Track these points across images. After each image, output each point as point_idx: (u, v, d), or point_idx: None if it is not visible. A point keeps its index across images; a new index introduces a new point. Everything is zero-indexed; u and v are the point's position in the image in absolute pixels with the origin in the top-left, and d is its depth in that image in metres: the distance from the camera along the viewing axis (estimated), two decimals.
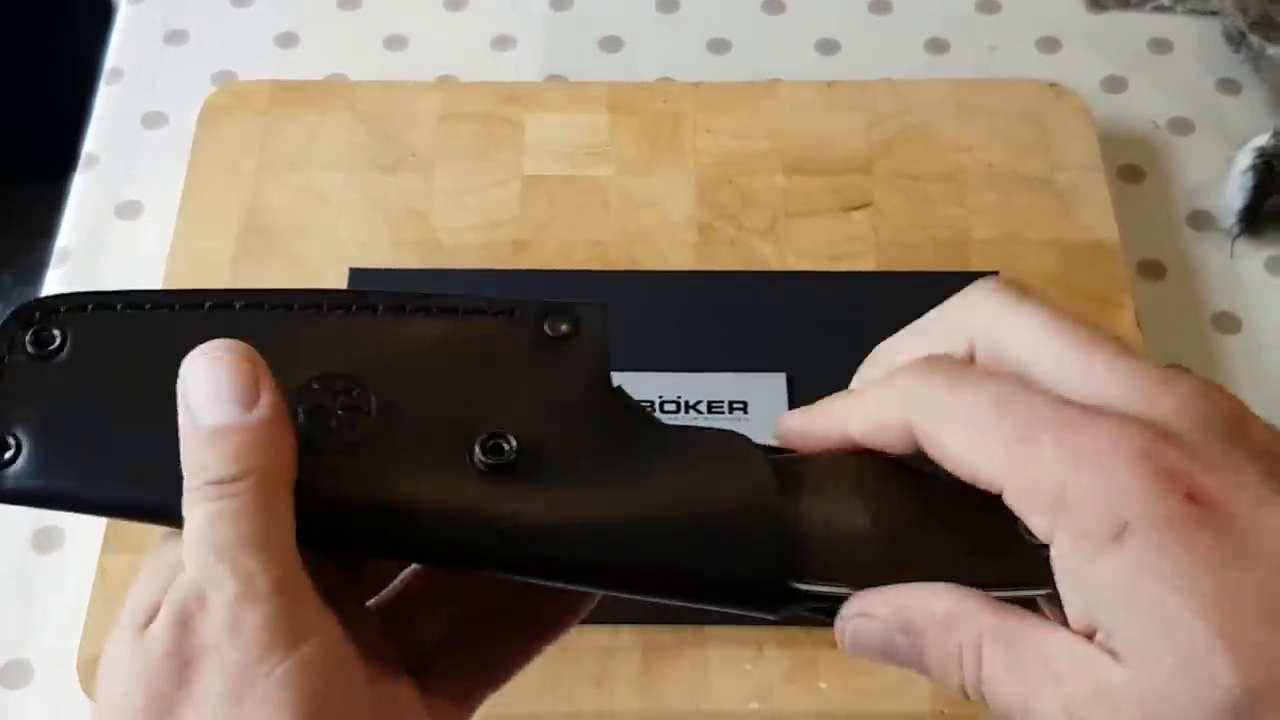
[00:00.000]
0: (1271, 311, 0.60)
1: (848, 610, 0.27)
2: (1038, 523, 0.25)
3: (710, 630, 0.49)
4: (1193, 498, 0.24)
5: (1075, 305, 0.57)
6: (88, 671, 0.49)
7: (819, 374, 0.48)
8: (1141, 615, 0.24)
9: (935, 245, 0.59)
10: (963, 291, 0.28)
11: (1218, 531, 0.24)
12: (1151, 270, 0.61)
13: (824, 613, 0.27)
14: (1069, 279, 0.58)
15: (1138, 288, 0.60)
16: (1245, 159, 0.61)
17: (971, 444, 0.26)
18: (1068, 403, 0.25)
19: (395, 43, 0.70)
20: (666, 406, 0.50)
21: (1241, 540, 0.24)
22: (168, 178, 0.62)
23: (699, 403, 0.49)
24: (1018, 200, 0.60)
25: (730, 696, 0.48)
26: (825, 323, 0.53)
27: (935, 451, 0.26)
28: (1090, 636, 0.24)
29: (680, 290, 0.55)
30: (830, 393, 0.29)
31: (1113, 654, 0.24)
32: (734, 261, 0.58)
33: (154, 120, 0.67)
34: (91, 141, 0.66)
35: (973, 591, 0.26)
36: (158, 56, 0.69)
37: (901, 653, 0.27)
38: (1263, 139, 0.62)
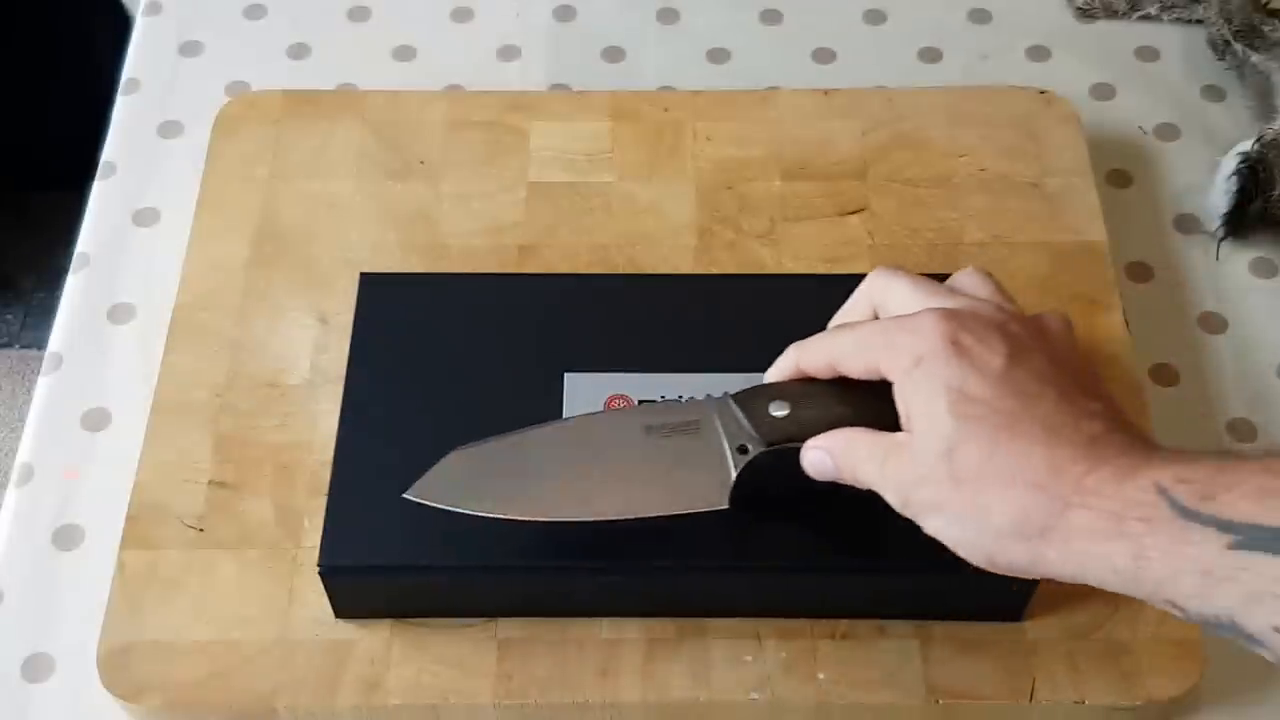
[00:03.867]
0: (1256, 312, 0.61)
1: (804, 450, 0.45)
2: (887, 369, 0.43)
3: (712, 623, 0.50)
4: (955, 344, 0.42)
5: (1065, 306, 0.58)
6: (107, 665, 0.50)
7: None
8: (919, 403, 0.42)
9: (928, 248, 0.60)
10: (866, 277, 0.47)
11: (965, 360, 0.41)
12: (1139, 272, 0.62)
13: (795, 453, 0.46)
14: (1058, 281, 0.59)
15: (1126, 289, 0.60)
16: (1230, 164, 0.62)
17: (863, 357, 0.44)
18: (904, 316, 0.44)
19: (404, 53, 0.71)
20: None
21: (972, 363, 0.41)
22: (183, 185, 0.63)
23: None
24: (1008, 204, 0.61)
25: (731, 687, 0.49)
26: (822, 324, 0.52)
27: (847, 369, 0.45)
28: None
29: (680, 292, 0.56)
30: None
31: (908, 432, 0.42)
32: (733, 264, 0.59)
33: (170, 130, 0.67)
34: (109, 150, 0.67)
35: (861, 429, 0.44)
36: (173, 68, 0.70)
37: (830, 468, 0.45)
38: (1247, 144, 0.62)
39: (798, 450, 0.45)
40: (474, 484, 0.46)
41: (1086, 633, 0.50)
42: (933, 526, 0.42)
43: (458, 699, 0.49)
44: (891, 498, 0.43)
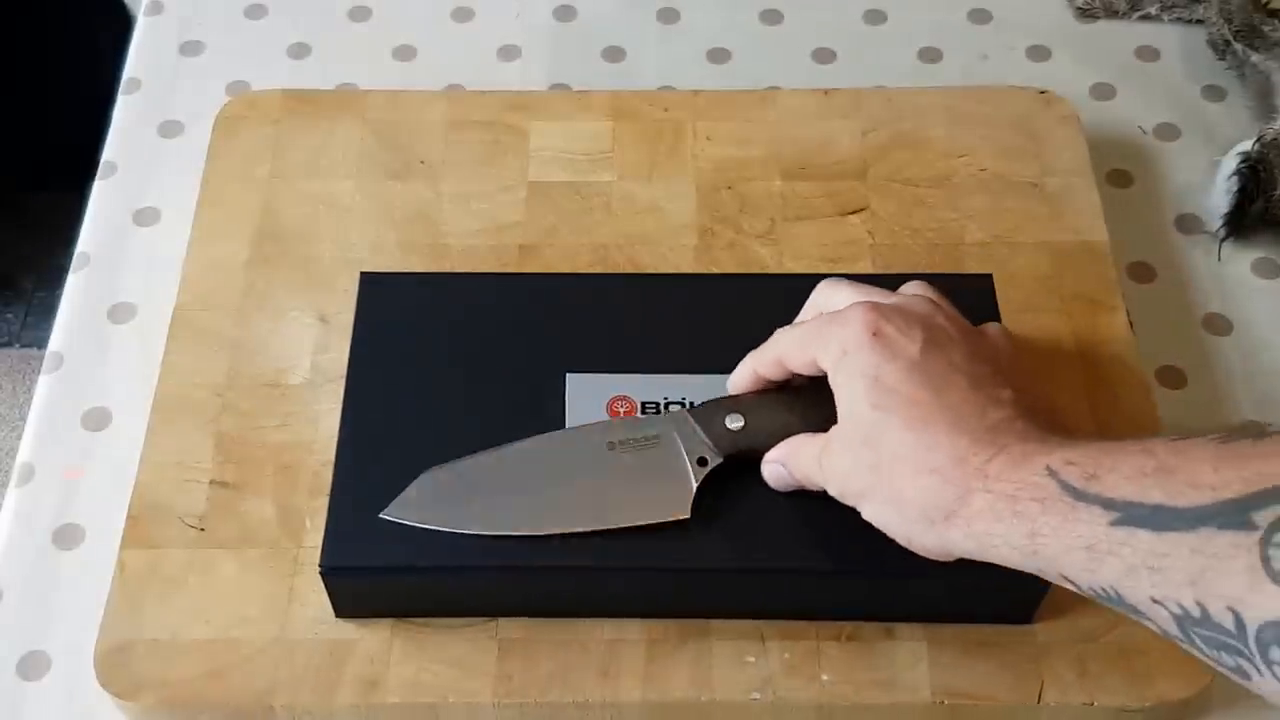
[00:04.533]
0: (1259, 312, 0.61)
1: (763, 467, 0.49)
2: (822, 360, 0.45)
3: (714, 624, 0.50)
4: (878, 335, 0.44)
5: (1066, 306, 0.58)
6: (104, 663, 0.50)
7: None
8: (844, 393, 0.44)
9: (929, 248, 0.60)
10: (816, 287, 0.50)
11: (883, 349, 0.44)
12: (1141, 273, 0.62)
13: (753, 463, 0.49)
14: (1060, 281, 0.59)
15: (1128, 290, 0.60)
16: (1230, 164, 0.62)
17: (803, 352, 0.46)
18: (840, 310, 0.46)
19: (404, 53, 0.71)
20: (671, 408, 0.51)
21: (890, 352, 0.44)
22: (184, 185, 0.63)
23: (697, 405, 0.50)
24: (1009, 204, 0.61)
25: (733, 688, 0.49)
26: None
27: (792, 365, 0.47)
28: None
29: (681, 292, 0.56)
30: None
31: (840, 421, 0.45)
32: (733, 264, 0.59)
33: (170, 129, 0.68)
34: (110, 150, 0.67)
35: (804, 435, 0.47)
36: (174, 67, 0.70)
37: (786, 477, 0.48)
38: (1247, 144, 0.62)
39: (755, 460, 0.49)
40: (448, 501, 0.49)
41: (1097, 635, 0.50)
42: (868, 513, 0.45)
43: (457, 698, 0.49)
44: (832, 490, 0.46)
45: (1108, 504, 0.37)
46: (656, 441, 0.49)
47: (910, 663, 0.49)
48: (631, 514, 0.48)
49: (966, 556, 0.42)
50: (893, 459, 0.43)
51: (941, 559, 0.43)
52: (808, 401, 0.48)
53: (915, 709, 0.49)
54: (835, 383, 0.45)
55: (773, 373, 0.48)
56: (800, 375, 0.48)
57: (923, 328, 0.45)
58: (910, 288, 0.49)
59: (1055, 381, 0.56)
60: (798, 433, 0.48)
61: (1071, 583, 0.39)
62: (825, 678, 0.49)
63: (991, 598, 0.49)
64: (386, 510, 0.49)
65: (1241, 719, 0.51)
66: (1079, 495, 0.38)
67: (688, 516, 0.48)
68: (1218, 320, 0.61)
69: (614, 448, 0.49)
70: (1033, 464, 0.40)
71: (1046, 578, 0.41)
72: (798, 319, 0.50)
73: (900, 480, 0.43)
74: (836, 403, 0.45)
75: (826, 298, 0.49)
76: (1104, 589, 0.38)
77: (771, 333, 0.49)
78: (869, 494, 0.44)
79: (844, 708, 0.49)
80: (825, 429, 0.46)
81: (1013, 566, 0.41)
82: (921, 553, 0.44)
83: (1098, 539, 0.37)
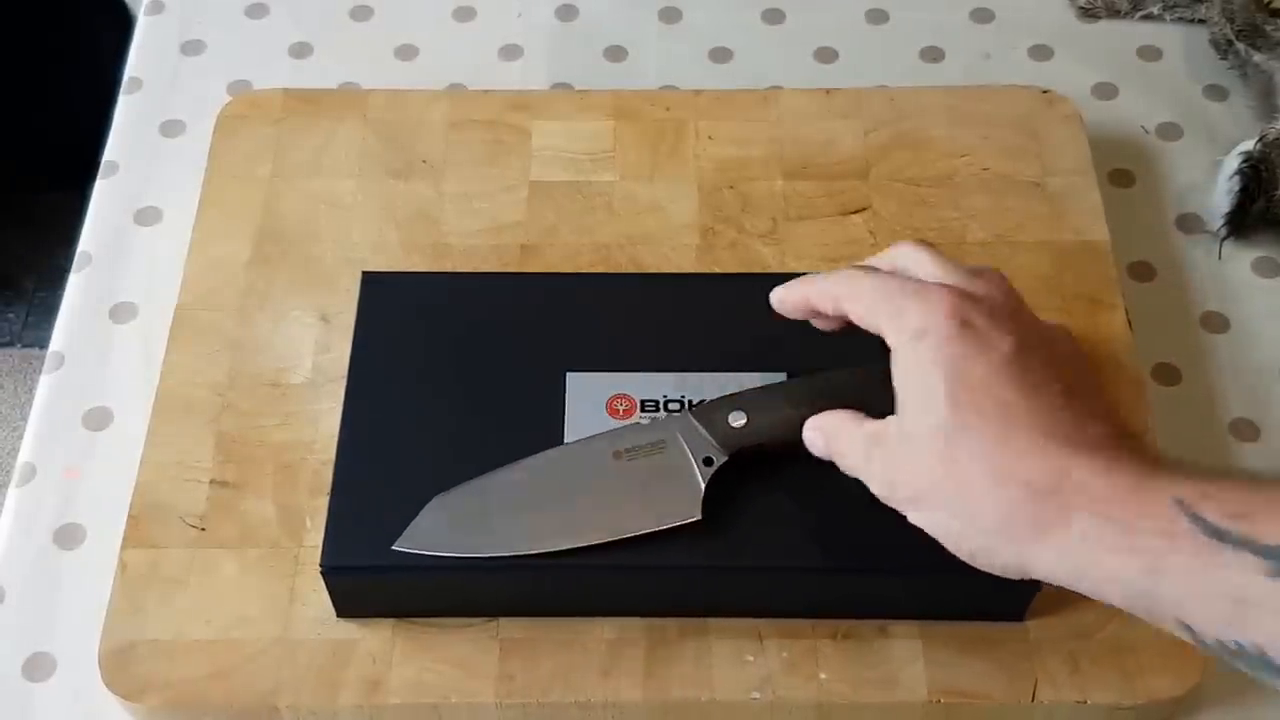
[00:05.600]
0: (1258, 311, 0.61)
1: (804, 429, 0.46)
2: (889, 331, 0.41)
3: (713, 623, 0.50)
4: (965, 323, 0.40)
5: (1067, 305, 0.58)
6: (108, 664, 0.50)
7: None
8: (915, 380, 0.40)
9: None
10: (896, 244, 0.45)
11: (972, 342, 0.39)
12: (1141, 272, 0.62)
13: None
14: (1061, 280, 0.59)
15: (1128, 288, 0.60)
16: (1232, 164, 0.62)
17: (868, 310, 0.42)
18: (921, 282, 0.42)
19: (406, 52, 0.71)
20: (670, 406, 0.51)
21: (979, 345, 0.39)
22: (185, 184, 0.63)
23: (701, 402, 0.50)
24: (1011, 204, 0.61)
25: (732, 687, 0.49)
26: None
27: (850, 311, 0.43)
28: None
29: (682, 292, 0.56)
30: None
31: (900, 406, 0.41)
32: (735, 264, 0.59)
33: (172, 129, 0.68)
34: (111, 149, 0.67)
35: (849, 415, 0.44)
36: (175, 67, 0.70)
37: (822, 447, 0.45)
38: (1249, 144, 0.62)
39: (759, 456, 0.48)
40: (461, 528, 0.48)
41: (1089, 633, 0.50)
42: (921, 519, 0.40)
43: (459, 698, 0.49)
44: (876, 487, 0.42)
45: (1264, 551, 0.32)
46: (662, 446, 0.49)
47: (906, 661, 0.50)
48: (643, 521, 0.48)
49: (1048, 580, 0.38)
50: (970, 463, 0.38)
51: (1008, 576, 0.39)
52: (813, 396, 0.47)
53: (913, 708, 0.49)
54: (903, 365, 0.40)
55: (825, 307, 0.44)
56: (847, 326, 0.44)
57: (1013, 323, 0.40)
58: (990, 277, 0.43)
59: None
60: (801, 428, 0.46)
61: (1191, 631, 0.35)
62: (823, 676, 0.49)
63: (985, 595, 0.49)
64: (399, 542, 0.48)
65: (1232, 716, 0.51)
66: (1222, 536, 0.33)
67: (699, 518, 0.48)
68: (1215, 318, 0.61)
69: (620, 456, 0.49)
70: (1153, 492, 0.36)
71: (1149, 618, 0.36)
72: (870, 261, 0.45)
73: (976, 488, 0.38)
74: (898, 382, 0.40)
75: (906, 258, 0.44)
76: (1242, 646, 0.33)
77: (771, 332, 0.49)
78: (928, 498, 0.40)
79: (843, 706, 0.49)
80: None
81: (1107, 601, 0.37)
82: (983, 568, 0.40)
83: (1251, 591, 0.32)
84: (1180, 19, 0.71)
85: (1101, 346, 0.57)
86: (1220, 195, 0.62)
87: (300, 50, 0.71)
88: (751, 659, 0.50)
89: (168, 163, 0.66)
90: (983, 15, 0.72)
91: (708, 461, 0.48)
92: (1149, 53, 0.70)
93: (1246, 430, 0.58)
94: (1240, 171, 0.61)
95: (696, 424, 0.49)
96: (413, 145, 0.63)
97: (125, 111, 0.68)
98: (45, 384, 0.60)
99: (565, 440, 0.50)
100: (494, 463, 0.49)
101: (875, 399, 0.43)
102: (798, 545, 0.49)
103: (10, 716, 0.51)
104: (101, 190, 0.66)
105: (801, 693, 0.49)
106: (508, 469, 0.49)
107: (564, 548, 0.48)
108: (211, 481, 0.54)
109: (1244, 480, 0.35)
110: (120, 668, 0.50)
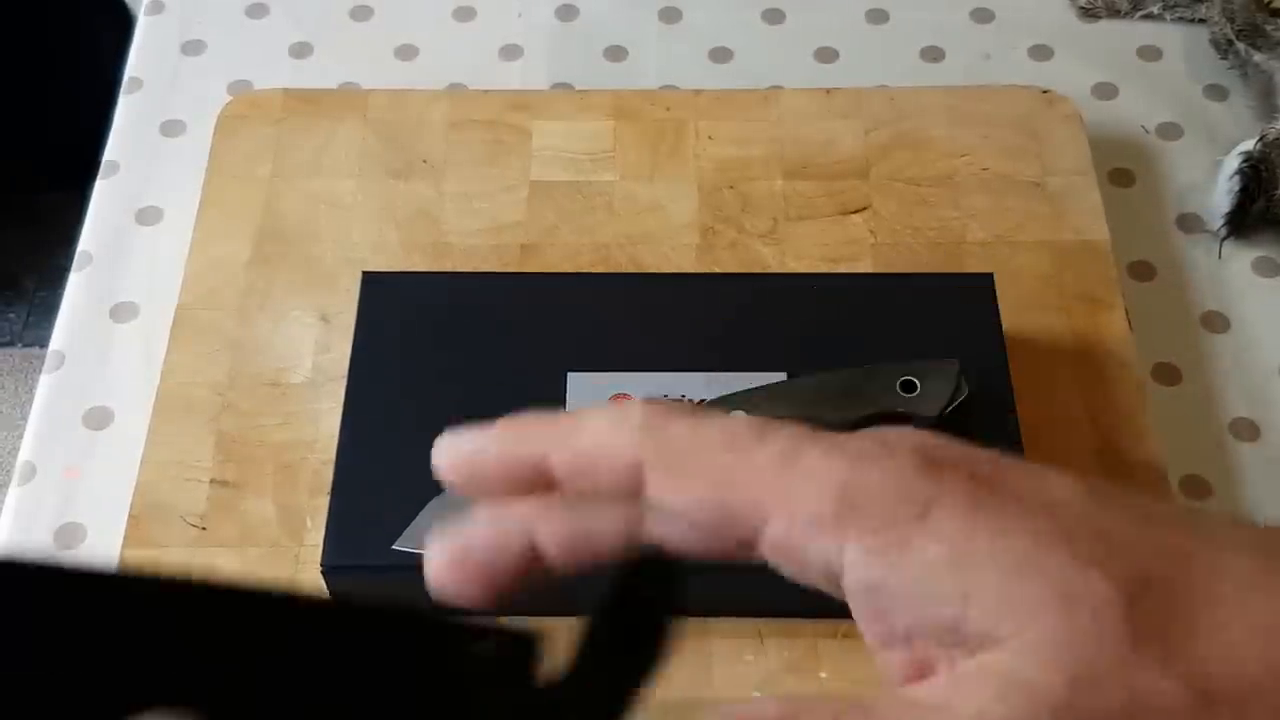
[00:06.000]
0: (1258, 311, 0.61)
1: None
2: (820, 542, 0.24)
3: (713, 623, 0.50)
4: (973, 477, 0.24)
5: (1067, 305, 0.58)
6: None
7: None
8: (991, 573, 0.22)
9: (931, 248, 0.60)
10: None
11: (1002, 495, 0.23)
12: (1141, 271, 0.62)
13: None
14: (1061, 280, 0.59)
15: (1128, 288, 0.60)
16: (1232, 163, 0.62)
17: (727, 470, 0.24)
18: (812, 431, 0.25)
19: (406, 52, 0.71)
20: None
21: (1018, 499, 0.23)
22: (185, 184, 0.63)
23: (700, 402, 0.50)
24: (1011, 203, 0.61)
25: (732, 686, 0.49)
26: (824, 323, 0.53)
27: (671, 488, 0.24)
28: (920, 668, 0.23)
29: (682, 292, 0.56)
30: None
31: (966, 647, 0.23)
32: (735, 264, 0.59)
33: (172, 128, 0.67)
34: (111, 149, 0.67)
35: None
36: (175, 67, 0.70)
37: None
38: (1249, 144, 0.62)
39: None
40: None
41: None
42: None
43: None
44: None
45: None
46: None
47: None
48: None
49: None
50: None
51: None
52: (813, 396, 0.47)
53: None
54: (904, 562, 0.23)
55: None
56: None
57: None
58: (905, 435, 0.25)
59: (1053, 380, 0.56)
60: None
61: None
62: (823, 675, 0.49)
63: None
64: (399, 542, 0.48)
65: None
66: None
67: None
68: (1215, 318, 0.61)
69: None
70: None
71: None
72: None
73: None
74: (910, 598, 0.24)
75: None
76: None
77: (771, 332, 0.48)
78: None
79: None
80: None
81: None
82: None
83: None
84: (1180, 19, 0.71)
85: (1101, 346, 0.57)
86: (1220, 195, 0.62)
87: (300, 50, 0.71)
88: (751, 659, 0.50)
89: (168, 163, 0.66)
90: (983, 15, 0.72)
91: None
92: (1149, 52, 0.70)
93: (1246, 430, 0.58)
94: (1240, 171, 0.61)
95: None
96: (413, 145, 0.63)
97: (125, 111, 0.68)
98: (45, 383, 0.60)
99: None
100: None
101: (875, 399, 0.43)
102: None
103: None
104: (102, 190, 0.66)
105: (803, 692, 0.49)
106: None
107: None
108: (212, 481, 0.54)
109: None
110: None
